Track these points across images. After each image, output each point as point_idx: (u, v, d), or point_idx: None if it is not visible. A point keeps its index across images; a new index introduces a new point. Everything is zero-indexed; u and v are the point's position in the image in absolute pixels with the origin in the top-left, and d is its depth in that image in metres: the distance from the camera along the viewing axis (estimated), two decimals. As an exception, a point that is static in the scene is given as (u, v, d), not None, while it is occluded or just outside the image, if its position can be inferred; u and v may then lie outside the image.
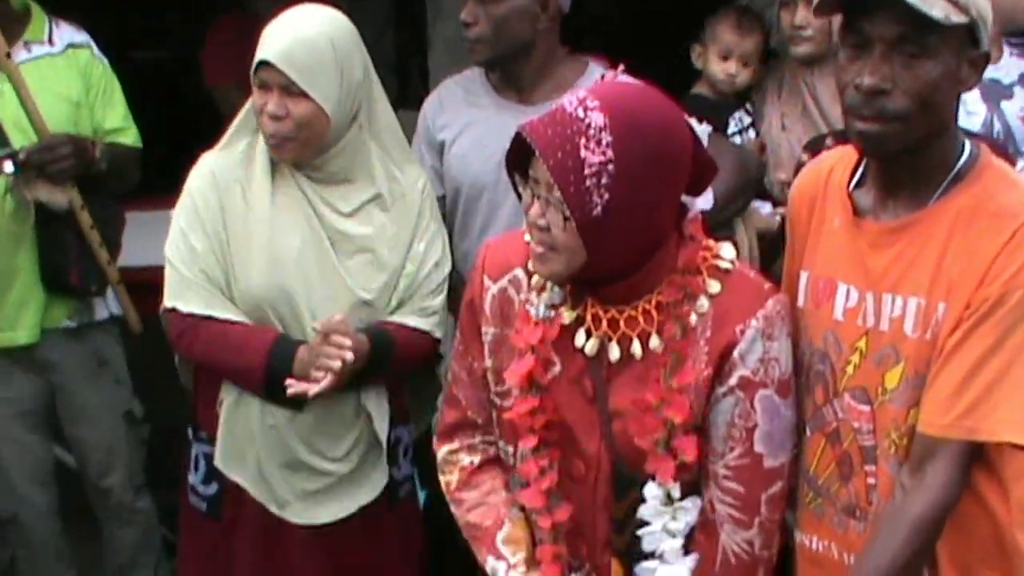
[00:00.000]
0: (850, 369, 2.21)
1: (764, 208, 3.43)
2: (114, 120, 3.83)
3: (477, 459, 2.51)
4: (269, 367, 2.91)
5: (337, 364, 2.81)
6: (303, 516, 3.07)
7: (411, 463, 3.24)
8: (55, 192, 3.62)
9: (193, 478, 3.19)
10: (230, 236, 2.95)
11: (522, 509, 2.46)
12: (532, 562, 2.42)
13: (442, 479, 2.55)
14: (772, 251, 3.20)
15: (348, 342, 2.82)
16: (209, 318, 2.96)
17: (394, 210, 3.02)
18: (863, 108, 2.10)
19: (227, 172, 2.99)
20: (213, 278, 2.96)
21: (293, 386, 2.83)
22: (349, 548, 3.12)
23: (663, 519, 2.28)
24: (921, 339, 2.12)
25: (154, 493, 4.25)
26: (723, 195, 3.21)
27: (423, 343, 3.04)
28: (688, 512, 2.28)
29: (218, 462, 3.07)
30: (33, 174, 3.56)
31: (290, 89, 2.83)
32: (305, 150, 2.91)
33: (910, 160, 2.14)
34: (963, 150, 2.18)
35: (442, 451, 2.55)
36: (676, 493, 2.27)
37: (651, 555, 2.31)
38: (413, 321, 3.01)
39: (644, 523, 2.30)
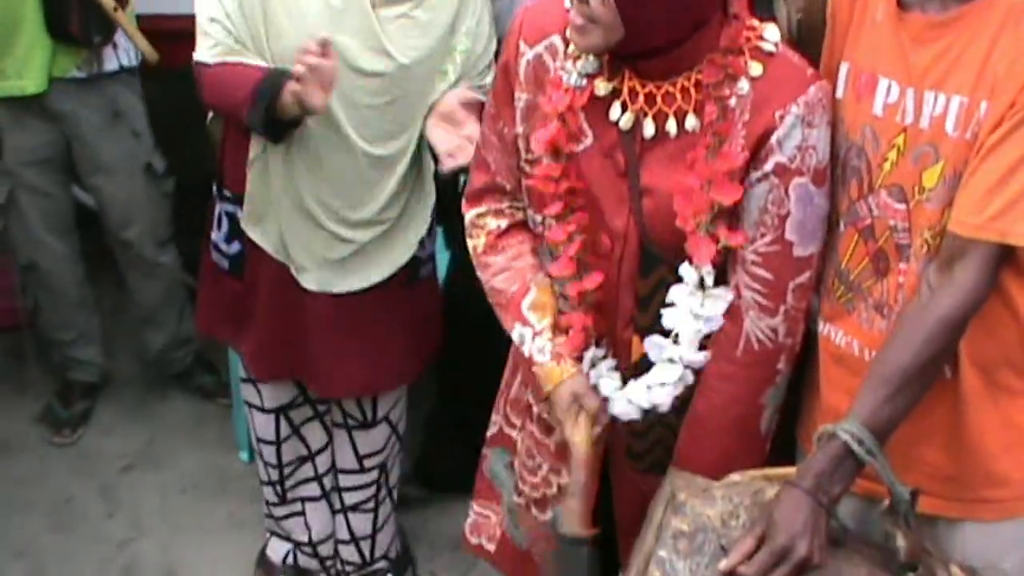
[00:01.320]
0: (887, 166, 2.17)
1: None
2: None
3: (504, 223, 2.51)
4: (257, 89, 2.86)
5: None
6: (321, 284, 3.10)
7: (433, 241, 3.26)
8: None
9: (216, 236, 3.23)
10: None
11: (548, 276, 2.47)
12: (557, 328, 2.43)
13: (469, 243, 2.56)
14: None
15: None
16: (220, 64, 2.95)
17: None
18: None
19: None
20: (234, 31, 2.91)
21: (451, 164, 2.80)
22: (366, 319, 3.16)
23: (691, 303, 2.28)
24: (961, 139, 2.07)
25: (178, 242, 4.31)
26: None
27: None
28: (718, 301, 2.27)
29: (244, 223, 3.09)
30: None
31: None
32: None
33: None
34: None
35: (469, 214, 2.55)
36: (709, 280, 2.26)
37: (666, 333, 2.31)
38: (472, 93, 2.97)
39: (670, 304, 2.29)
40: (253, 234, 3.10)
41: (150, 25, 3.94)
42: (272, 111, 2.82)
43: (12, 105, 3.82)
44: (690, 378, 2.32)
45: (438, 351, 3.40)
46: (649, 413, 2.37)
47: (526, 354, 2.45)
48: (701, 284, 2.26)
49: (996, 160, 2.02)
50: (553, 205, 2.32)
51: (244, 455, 4.23)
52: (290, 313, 3.17)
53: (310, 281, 3.10)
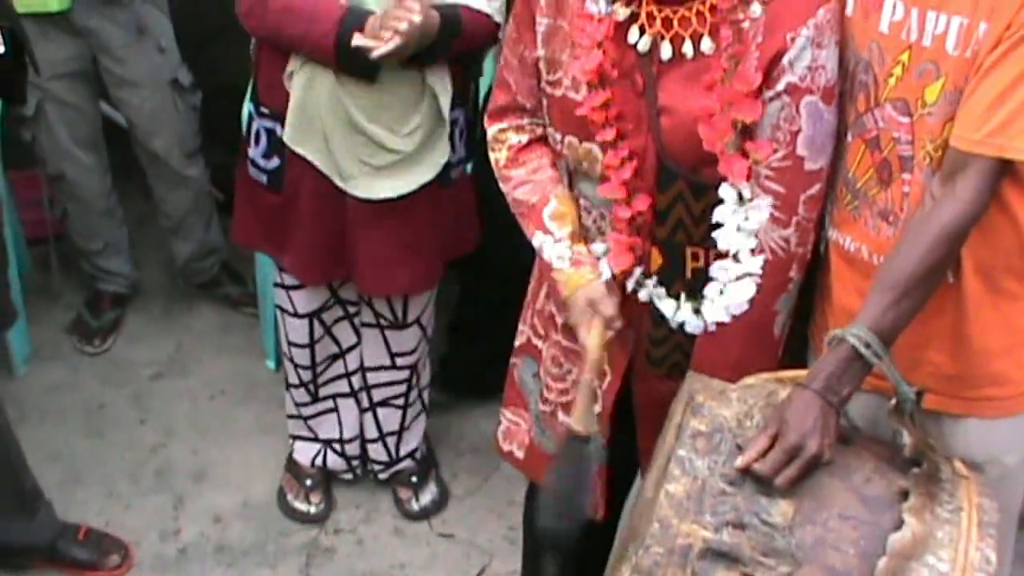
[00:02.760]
0: (892, 81, 2.24)
1: None
2: None
3: (525, 138, 2.61)
4: (340, 33, 2.94)
5: (404, 25, 2.84)
6: (365, 190, 3.18)
7: (465, 146, 3.33)
8: None
9: (253, 152, 3.30)
10: None
11: (571, 187, 2.56)
12: (577, 236, 2.53)
13: (491, 156, 2.65)
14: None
15: (417, 5, 2.85)
16: None
17: None
18: None
19: None
20: None
21: (359, 40, 2.86)
22: (403, 223, 3.25)
23: (737, 219, 2.35)
24: (962, 57, 2.14)
25: (207, 152, 4.39)
26: None
27: (486, 25, 3.08)
28: (760, 211, 2.34)
29: (287, 138, 3.16)
30: None
31: None
32: None
33: None
34: None
35: (491, 130, 2.64)
36: (747, 193, 2.33)
37: (725, 255, 2.39)
38: (476, 3, 3.04)
39: (719, 225, 2.36)
40: (300, 149, 3.16)
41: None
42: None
43: (39, 20, 3.85)
44: (754, 289, 2.39)
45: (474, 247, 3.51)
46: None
47: (546, 260, 2.55)
48: (740, 199, 2.34)
49: (994, 79, 2.09)
50: (605, 132, 2.39)
51: (271, 363, 4.34)
52: (332, 220, 3.26)
53: (355, 187, 3.18)
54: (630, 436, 2.69)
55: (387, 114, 3.10)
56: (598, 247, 2.53)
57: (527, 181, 2.59)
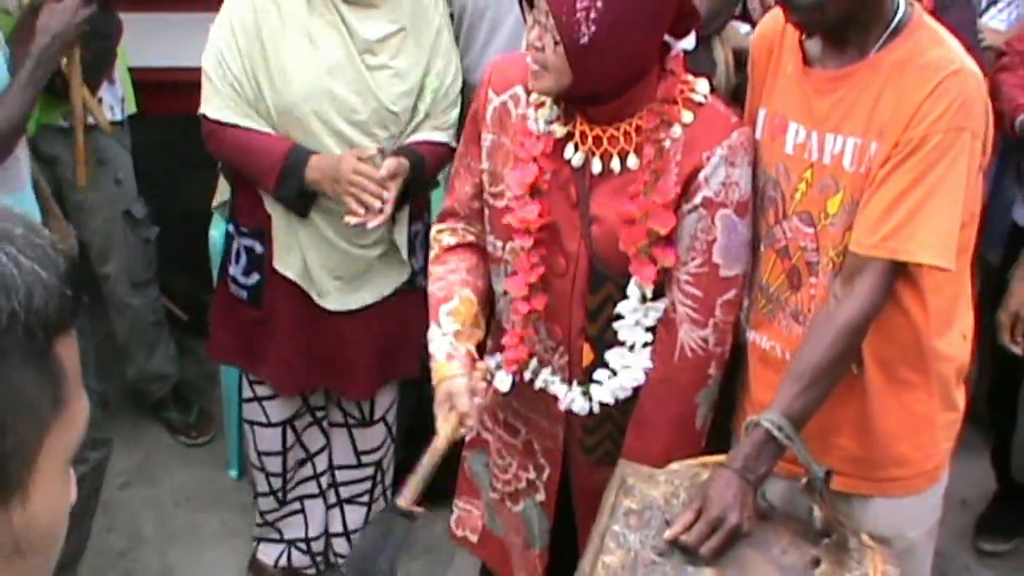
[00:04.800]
0: (798, 196, 2.48)
1: (743, 28, 3.65)
2: None
3: (454, 240, 2.81)
4: (284, 167, 3.17)
5: (378, 204, 3.12)
6: (339, 303, 3.41)
7: (426, 253, 3.50)
8: None
9: (234, 270, 3.51)
10: (268, 51, 3.17)
11: (500, 292, 2.75)
12: (463, 336, 2.68)
13: (430, 253, 2.87)
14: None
15: (392, 190, 3.15)
16: (233, 125, 3.23)
17: (415, 28, 3.25)
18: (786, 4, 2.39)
19: None
20: (242, 92, 3.20)
21: (354, 217, 3.15)
22: (373, 327, 3.48)
23: (637, 315, 2.57)
24: (857, 172, 2.39)
25: (171, 277, 4.55)
26: (704, 15, 3.45)
27: (444, 154, 3.32)
28: (657, 311, 2.57)
29: (276, 264, 3.38)
30: None
31: None
32: None
33: (849, 22, 2.39)
34: (899, 8, 2.41)
35: (433, 230, 2.87)
36: (650, 294, 2.55)
37: (621, 344, 2.61)
38: (436, 136, 3.29)
39: (620, 316, 2.59)
40: (285, 271, 3.39)
41: (143, 76, 4.22)
42: (302, 186, 3.16)
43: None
44: (642, 377, 2.61)
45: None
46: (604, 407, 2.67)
47: (431, 350, 2.70)
48: (643, 299, 2.56)
49: (885, 191, 2.34)
50: (526, 238, 2.60)
51: (234, 472, 4.47)
52: (309, 331, 3.47)
53: (330, 302, 3.41)
54: (571, 521, 2.88)
55: (348, 229, 3.30)
56: (491, 360, 2.74)
57: (442, 278, 2.77)
